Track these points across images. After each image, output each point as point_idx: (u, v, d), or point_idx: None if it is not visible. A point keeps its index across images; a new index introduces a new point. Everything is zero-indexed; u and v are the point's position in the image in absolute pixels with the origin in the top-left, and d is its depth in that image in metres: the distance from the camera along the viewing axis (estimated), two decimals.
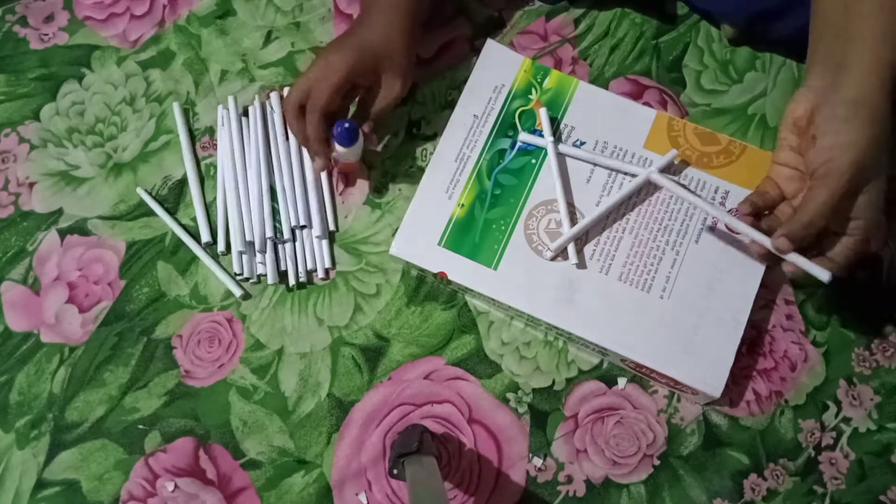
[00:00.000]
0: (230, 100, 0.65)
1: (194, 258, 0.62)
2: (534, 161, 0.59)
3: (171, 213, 0.63)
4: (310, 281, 0.62)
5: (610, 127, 0.60)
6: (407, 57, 0.58)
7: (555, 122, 0.60)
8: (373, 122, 0.58)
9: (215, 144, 0.65)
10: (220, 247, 0.62)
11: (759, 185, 0.53)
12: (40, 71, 0.67)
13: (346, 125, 0.56)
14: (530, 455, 0.57)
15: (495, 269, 0.57)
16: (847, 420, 0.58)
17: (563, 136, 0.60)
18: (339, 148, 0.58)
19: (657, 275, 0.56)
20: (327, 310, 0.61)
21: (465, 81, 0.63)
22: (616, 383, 0.59)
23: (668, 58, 0.66)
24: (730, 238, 0.57)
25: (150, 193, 0.64)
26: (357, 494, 0.57)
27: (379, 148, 0.63)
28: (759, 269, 0.56)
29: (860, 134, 0.46)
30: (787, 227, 0.48)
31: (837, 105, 0.47)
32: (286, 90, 0.66)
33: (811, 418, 0.58)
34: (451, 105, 0.65)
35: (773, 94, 0.64)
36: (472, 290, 0.58)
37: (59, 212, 0.64)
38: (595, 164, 0.59)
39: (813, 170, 0.48)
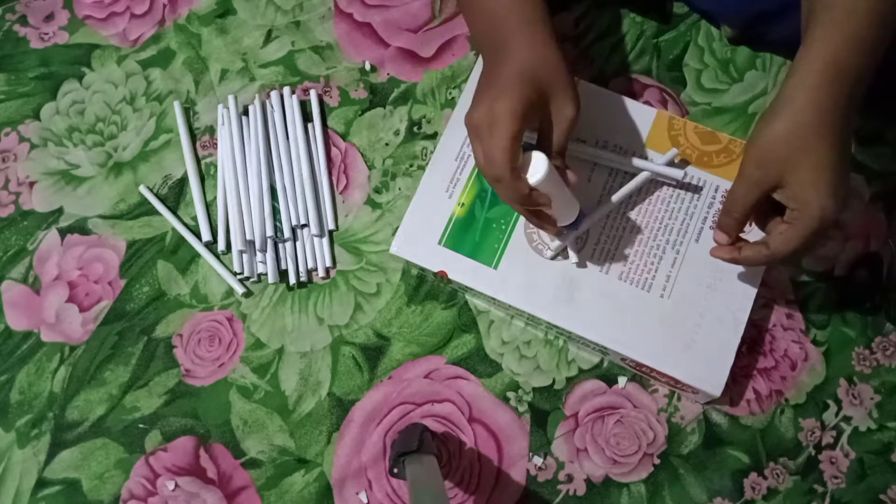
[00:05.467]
0: (230, 99, 0.65)
1: (194, 257, 0.62)
2: None
3: (173, 211, 0.63)
4: (310, 280, 0.62)
5: (610, 126, 0.60)
6: (568, 71, 0.48)
7: None
8: (558, 155, 0.50)
9: (215, 143, 0.65)
10: (221, 246, 0.62)
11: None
12: (40, 70, 0.67)
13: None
14: (530, 454, 0.57)
15: (495, 268, 0.57)
16: (847, 419, 0.58)
17: None
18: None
19: (657, 274, 0.56)
20: (328, 309, 0.61)
21: (465, 80, 0.63)
22: (616, 382, 0.59)
23: (668, 57, 0.66)
24: None
25: (151, 191, 0.64)
26: (357, 493, 0.57)
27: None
28: (759, 269, 0.56)
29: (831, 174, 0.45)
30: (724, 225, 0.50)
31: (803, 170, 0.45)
32: (286, 89, 0.66)
33: (811, 417, 0.58)
34: (451, 104, 0.65)
35: (773, 93, 0.64)
36: (472, 290, 0.58)
37: (60, 211, 0.64)
38: (596, 162, 0.59)
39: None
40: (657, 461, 0.57)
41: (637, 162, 0.57)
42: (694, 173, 0.58)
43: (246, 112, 0.65)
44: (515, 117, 0.46)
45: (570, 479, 0.57)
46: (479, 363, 0.59)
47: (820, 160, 0.45)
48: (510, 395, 0.58)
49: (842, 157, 0.45)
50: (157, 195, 0.64)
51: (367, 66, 0.67)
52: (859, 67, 0.44)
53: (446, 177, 0.59)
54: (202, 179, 0.64)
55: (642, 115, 0.60)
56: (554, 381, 0.59)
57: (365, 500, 0.57)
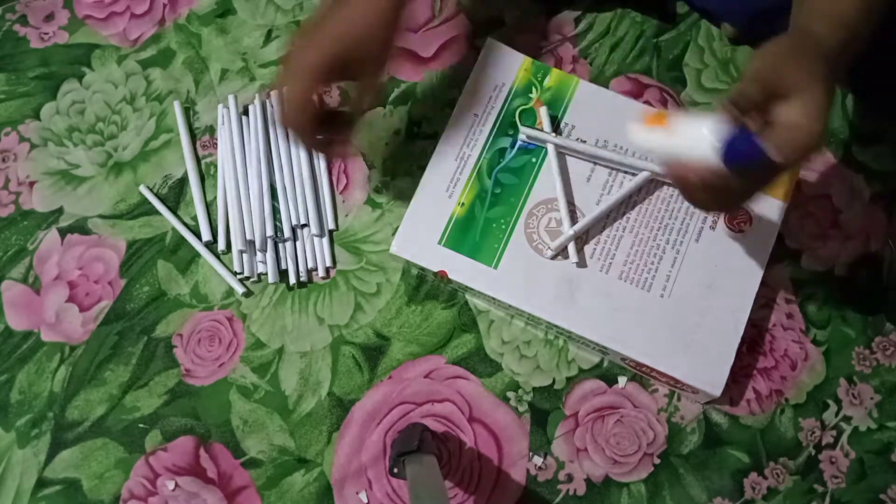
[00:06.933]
0: (230, 98, 0.65)
1: (195, 257, 0.62)
2: (534, 160, 0.59)
3: (173, 211, 0.63)
4: (310, 280, 0.62)
5: (610, 126, 0.60)
6: (388, 49, 0.51)
7: (555, 121, 0.60)
8: (349, 120, 0.54)
9: (216, 143, 0.65)
10: (221, 245, 0.62)
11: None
12: (40, 70, 0.67)
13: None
14: (531, 454, 0.57)
15: (495, 267, 0.57)
16: (847, 419, 0.58)
17: (564, 135, 0.60)
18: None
19: (657, 273, 0.56)
20: (328, 309, 0.61)
21: (465, 80, 0.62)
22: (616, 382, 0.59)
23: (668, 56, 0.66)
24: (731, 237, 0.57)
25: (151, 191, 0.64)
26: (357, 493, 0.57)
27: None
28: (759, 268, 0.56)
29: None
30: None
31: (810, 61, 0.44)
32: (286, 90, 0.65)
33: (811, 417, 0.58)
34: (451, 104, 0.65)
35: None
36: (472, 289, 0.58)
37: (60, 211, 0.64)
38: (596, 162, 0.59)
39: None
40: (657, 461, 0.57)
41: (637, 162, 0.57)
42: None
43: (246, 112, 0.65)
44: (315, 73, 0.48)
45: (570, 478, 0.57)
46: (479, 363, 0.59)
47: (815, 76, 0.43)
48: (510, 394, 0.59)
49: (833, 88, 0.44)
50: (157, 195, 0.64)
51: None
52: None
53: (446, 176, 0.59)
54: (202, 179, 0.64)
55: (642, 115, 0.60)
56: (554, 380, 0.59)
57: (365, 500, 0.57)
